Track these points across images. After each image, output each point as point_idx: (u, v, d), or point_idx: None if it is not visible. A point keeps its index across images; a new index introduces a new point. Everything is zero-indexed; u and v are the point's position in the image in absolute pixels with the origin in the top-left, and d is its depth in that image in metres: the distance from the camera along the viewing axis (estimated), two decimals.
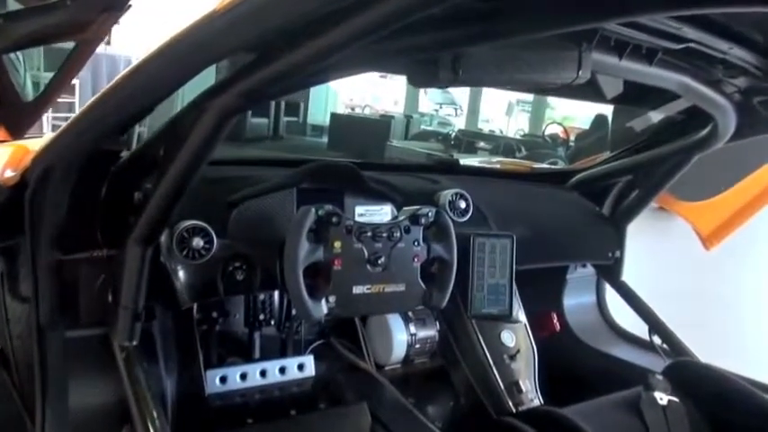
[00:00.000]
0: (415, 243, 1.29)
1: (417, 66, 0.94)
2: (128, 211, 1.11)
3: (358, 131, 9.02)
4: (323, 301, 1.21)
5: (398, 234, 1.28)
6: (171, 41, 0.78)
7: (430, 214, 1.30)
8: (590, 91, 1.16)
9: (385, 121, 9.86)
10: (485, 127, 12.59)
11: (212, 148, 0.90)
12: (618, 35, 0.98)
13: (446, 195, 1.57)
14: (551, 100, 13.37)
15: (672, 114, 1.59)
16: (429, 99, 16.15)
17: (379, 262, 1.25)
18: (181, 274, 1.22)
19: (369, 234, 1.25)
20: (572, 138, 7.94)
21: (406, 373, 1.57)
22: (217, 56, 0.77)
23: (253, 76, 0.80)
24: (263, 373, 1.40)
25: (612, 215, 1.88)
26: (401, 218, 1.31)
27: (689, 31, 0.94)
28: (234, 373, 1.37)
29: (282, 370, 1.42)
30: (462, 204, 1.58)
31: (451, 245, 1.32)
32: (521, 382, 1.47)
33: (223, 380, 1.35)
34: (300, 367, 1.45)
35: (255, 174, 1.42)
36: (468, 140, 8.26)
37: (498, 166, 2.52)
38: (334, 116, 10.74)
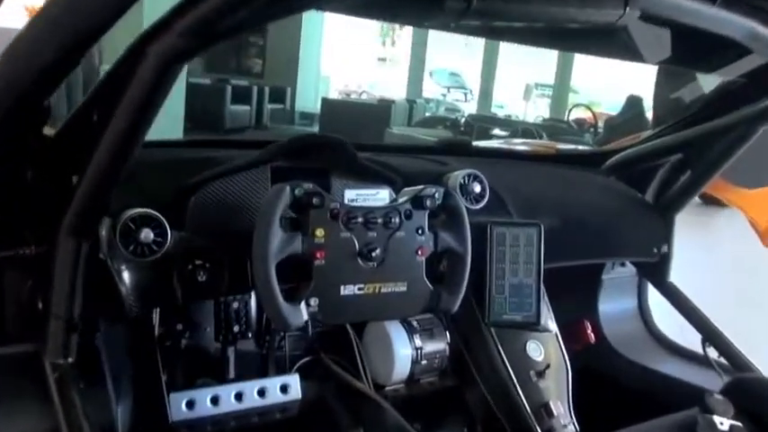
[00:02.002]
0: (419, 231, 1.25)
1: None
2: (62, 199, 1.05)
3: (353, 118, 9.06)
4: (302, 304, 1.16)
5: (397, 220, 1.23)
6: None
7: (437, 195, 1.25)
8: (633, 47, 1.08)
9: (384, 107, 9.93)
10: (499, 113, 12.62)
11: (155, 107, 0.85)
12: None
13: (457, 177, 1.52)
14: (575, 83, 13.41)
15: (731, 79, 1.54)
16: (435, 82, 16.23)
17: (374, 255, 1.20)
18: (126, 275, 1.16)
19: (360, 220, 1.20)
20: (600, 124, 7.97)
21: (410, 394, 1.53)
22: None
23: (197, 9, 0.75)
24: (238, 397, 1.36)
25: (657, 203, 1.85)
26: (401, 200, 1.26)
27: None
28: (203, 397, 1.33)
29: (262, 392, 1.39)
30: (477, 188, 1.53)
31: (464, 234, 1.28)
32: (551, 404, 1.41)
33: (190, 405, 1.32)
34: (284, 389, 1.41)
35: (219, 155, 1.38)
36: (481, 126, 8.24)
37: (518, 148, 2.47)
38: (325, 101, 10.80)
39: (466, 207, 1.34)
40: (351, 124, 8.45)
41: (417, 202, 1.24)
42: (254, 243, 1.12)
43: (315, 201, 1.15)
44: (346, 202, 1.37)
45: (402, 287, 1.24)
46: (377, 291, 1.22)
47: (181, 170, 1.30)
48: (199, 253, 1.22)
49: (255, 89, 10.16)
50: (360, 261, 1.20)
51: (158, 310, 1.35)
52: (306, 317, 1.15)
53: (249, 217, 1.27)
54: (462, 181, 1.52)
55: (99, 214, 1.03)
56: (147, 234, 1.15)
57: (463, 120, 9.04)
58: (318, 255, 1.16)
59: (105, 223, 1.13)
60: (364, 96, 15.15)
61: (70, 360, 1.04)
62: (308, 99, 11.82)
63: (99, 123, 0.91)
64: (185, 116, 7.14)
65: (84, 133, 0.98)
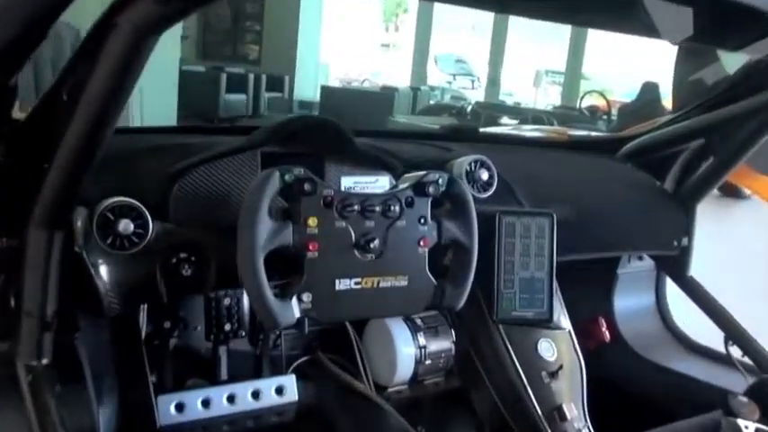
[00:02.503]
0: (421, 221, 1.22)
1: None
2: (33, 188, 1.03)
3: (354, 106, 9.07)
4: (293, 300, 1.13)
5: (397, 208, 1.20)
6: None
7: (440, 181, 1.22)
8: (650, 23, 1.05)
9: (387, 94, 9.92)
10: (507, 101, 12.67)
11: (128, 84, 0.83)
12: None
13: (462, 163, 1.49)
14: (587, 69, 13.43)
15: (758, 58, 1.49)
16: (440, 69, 16.28)
17: (372, 246, 1.17)
18: (104, 269, 1.14)
19: (356, 208, 1.17)
20: (613, 112, 8.01)
21: (414, 396, 1.55)
22: None
23: None
24: (231, 399, 1.37)
25: (677, 192, 1.83)
26: (401, 186, 1.23)
27: None
28: (194, 400, 1.33)
29: (256, 394, 1.39)
30: (484, 175, 1.50)
31: (470, 224, 1.25)
32: (564, 407, 1.38)
33: (180, 408, 1.32)
34: (279, 391, 1.42)
35: (204, 141, 1.36)
36: (488, 114, 8.24)
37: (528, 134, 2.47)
38: (325, 89, 10.85)
39: (472, 196, 1.31)
40: (352, 113, 8.46)
41: (419, 188, 1.21)
42: (240, 233, 1.09)
43: (306, 187, 1.12)
44: (342, 189, 1.35)
45: (402, 281, 1.21)
46: (375, 285, 1.19)
47: (163, 157, 1.27)
48: (183, 245, 1.20)
49: (252, 77, 10.13)
50: (356, 253, 1.17)
51: (145, 307, 1.35)
52: (298, 314, 1.12)
53: (237, 206, 1.23)
54: (468, 167, 1.49)
55: (71, 203, 1.01)
56: (126, 225, 1.13)
57: (470, 107, 9.02)
58: (311, 246, 1.13)
59: (81, 214, 1.11)
60: (366, 84, 15.20)
61: (45, 361, 1.02)
62: (306, 87, 11.82)
63: (69, 104, 0.89)
64: (178, 106, 7.15)
65: (55, 116, 0.96)
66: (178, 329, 1.39)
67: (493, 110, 8.78)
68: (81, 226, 1.10)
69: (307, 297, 1.13)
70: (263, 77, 10.48)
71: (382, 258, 1.19)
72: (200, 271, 1.21)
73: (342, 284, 1.16)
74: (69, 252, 1.07)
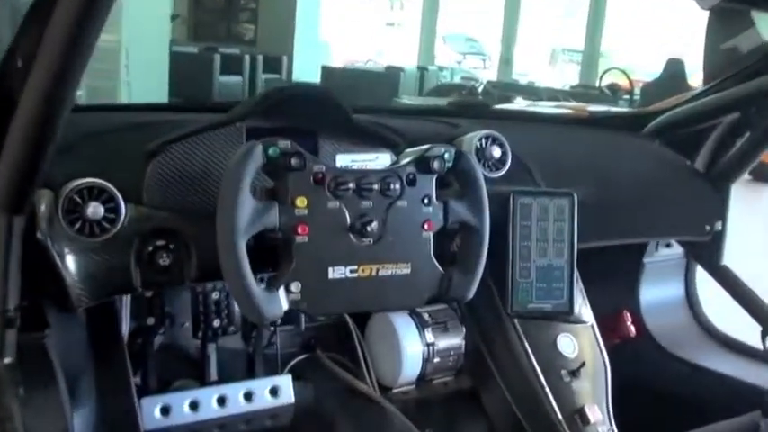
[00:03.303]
0: (425, 201, 1.19)
1: None
2: None
3: (357, 87, 9.07)
4: (281, 291, 1.10)
5: (398, 186, 1.17)
6: None
7: (447, 156, 1.19)
8: None
9: (392, 74, 9.96)
10: (521, 81, 12.70)
11: (86, 44, 0.80)
12: None
13: (472, 139, 1.47)
14: (606, 48, 13.45)
15: None
16: (450, 49, 16.35)
17: (369, 230, 1.14)
18: (71, 258, 1.12)
19: (351, 186, 1.14)
20: (636, 91, 8.07)
21: (421, 397, 1.55)
22: None
23: None
24: (221, 401, 1.36)
25: (709, 171, 1.80)
26: (403, 162, 1.20)
27: None
28: (181, 402, 1.33)
29: (249, 396, 1.38)
30: (496, 152, 1.47)
31: (481, 204, 1.22)
32: (587, 409, 1.37)
33: (165, 411, 1.32)
34: (274, 392, 1.40)
35: (182, 118, 1.36)
36: (501, 95, 8.26)
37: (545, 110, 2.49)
38: (326, 70, 10.89)
39: (484, 175, 1.29)
40: (354, 94, 8.46)
41: (422, 164, 1.18)
42: (219, 215, 1.06)
43: (294, 162, 1.09)
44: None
45: (405, 269, 1.18)
46: (373, 274, 1.16)
47: (137, 135, 1.26)
48: (159, 231, 1.18)
49: (248, 58, 10.14)
50: (352, 237, 1.14)
51: (127, 301, 1.34)
52: (286, 306, 1.10)
53: (219, 188, 1.23)
54: (479, 144, 1.46)
55: (32, 184, 0.98)
56: (95, 209, 1.11)
57: (481, 87, 9.06)
58: (300, 229, 1.10)
59: (45, 197, 1.09)
60: (371, 65, 15.27)
61: (7, 360, 1.01)
62: (306, 68, 11.86)
63: (24, 72, 0.87)
64: (169, 90, 7.18)
65: (10, 85, 0.94)
66: (164, 326, 1.39)
67: (506, 89, 8.79)
68: (45, 210, 1.09)
69: (296, 287, 1.10)
70: (260, 58, 10.51)
71: (381, 243, 1.16)
72: (179, 260, 1.19)
73: (335, 273, 1.14)
74: (32, 239, 1.05)
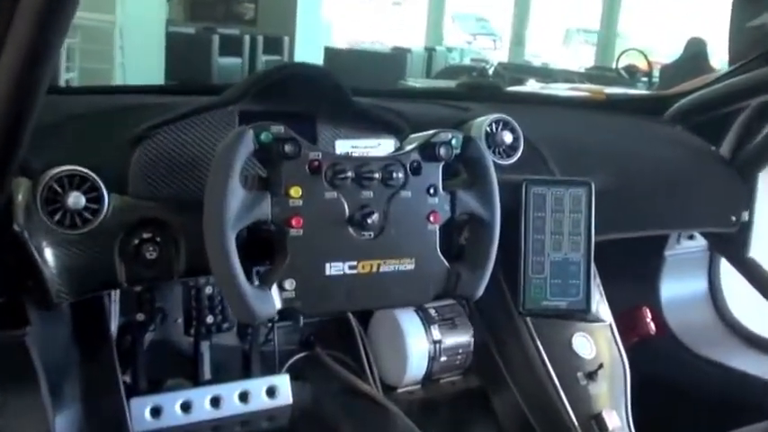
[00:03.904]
0: (431, 191, 1.16)
1: None
2: None
3: (362, 69, 9.12)
4: (274, 288, 1.08)
5: (401, 175, 1.14)
6: None
7: (454, 142, 1.17)
8: None
9: (398, 55, 10.00)
10: (534, 63, 12.76)
11: (65, 13, 0.78)
12: None
13: (482, 124, 1.45)
14: (623, 29, 13.48)
15: None
16: (459, 29, 16.39)
17: (370, 222, 1.11)
18: (50, 252, 1.11)
19: (350, 175, 1.11)
20: (654, 73, 8.07)
21: (427, 397, 1.54)
22: None
23: None
24: (215, 402, 1.36)
25: (735, 158, 1.79)
26: (407, 148, 1.18)
27: None
28: (172, 403, 1.33)
29: (244, 396, 1.38)
30: (508, 137, 1.46)
31: (491, 195, 1.20)
32: (604, 415, 1.36)
33: (156, 413, 1.32)
34: (271, 392, 1.41)
35: (170, 101, 1.35)
36: (513, 77, 8.27)
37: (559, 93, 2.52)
38: (329, 51, 10.98)
39: (494, 162, 1.27)
40: (359, 76, 8.49)
41: (428, 151, 1.15)
42: (206, 206, 1.04)
43: (287, 149, 1.06)
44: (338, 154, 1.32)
45: (408, 265, 1.16)
46: (374, 270, 1.14)
47: (122, 119, 1.24)
48: (146, 223, 1.17)
49: (247, 39, 10.20)
50: (351, 230, 1.12)
51: (117, 296, 1.33)
52: (279, 305, 1.08)
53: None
54: (489, 129, 1.44)
55: (7, 172, 0.98)
56: (77, 199, 1.09)
57: (492, 69, 9.09)
58: (294, 221, 1.08)
59: (22, 186, 1.08)
60: (377, 46, 15.36)
61: None
62: (308, 49, 11.92)
63: None
64: (166, 72, 7.19)
65: None
66: (154, 322, 1.38)
67: (518, 71, 8.78)
68: (22, 200, 1.08)
69: (289, 284, 1.08)
70: (260, 39, 10.56)
71: (383, 237, 1.14)
72: (167, 254, 1.18)
73: (333, 269, 1.11)
74: (8, 231, 1.05)
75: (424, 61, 10.51)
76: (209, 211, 1.04)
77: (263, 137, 1.05)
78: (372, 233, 1.13)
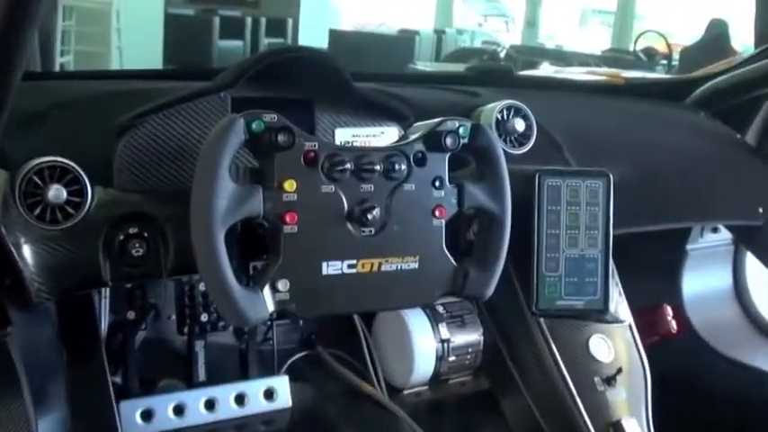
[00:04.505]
0: (436, 183, 1.14)
1: None
2: None
3: (368, 53, 9.11)
4: (266, 289, 1.05)
5: (404, 167, 1.12)
6: None
7: (462, 130, 1.14)
8: None
9: (406, 38, 10.01)
10: (548, 45, 12.78)
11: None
12: None
13: (492, 111, 1.44)
14: (641, 10, 13.49)
15: None
16: (470, 9, 16.42)
17: (370, 217, 1.09)
18: (28, 248, 1.10)
19: (349, 167, 1.09)
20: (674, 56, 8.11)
21: (435, 399, 1.54)
22: None
23: None
24: (210, 405, 1.36)
25: (763, 146, 1.78)
26: (411, 138, 1.16)
27: None
28: (165, 405, 1.33)
29: (241, 399, 1.38)
30: (520, 125, 1.44)
31: (501, 187, 1.18)
32: (623, 423, 1.35)
33: (147, 416, 1.32)
34: (269, 394, 1.40)
35: (158, 87, 1.34)
36: (526, 60, 8.25)
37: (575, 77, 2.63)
38: (333, 34, 10.99)
39: (505, 151, 1.25)
40: (365, 60, 8.54)
41: (433, 140, 1.13)
42: (193, 200, 1.02)
43: (281, 139, 1.04)
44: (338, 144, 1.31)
45: (412, 263, 1.14)
46: (375, 269, 1.12)
47: (107, 106, 1.23)
48: (132, 217, 1.16)
49: (249, 21, 10.26)
50: (349, 226, 1.10)
51: (106, 292, 1.33)
52: (272, 307, 1.06)
53: None
54: (500, 116, 1.43)
55: None
56: (58, 192, 1.08)
57: (504, 52, 9.10)
58: (288, 217, 1.05)
59: (0, 178, 1.07)
60: (384, 29, 15.45)
61: None
62: (312, 31, 11.97)
63: None
64: (164, 56, 7.20)
65: None
66: (146, 321, 1.38)
67: (531, 54, 8.74)
68: None
69: (283, 285, 1.06)
70: (263, 21, 10.62)
71: (384, 233, 1.12)
72: (154, 250, 1.16)
73: (330, 268, 1.09)
74: None
75: (432, 44, 10.52)
76: (196, 206, 1.02)
77: (254, 126, 1.03)
78: (373, 229, 1.11)
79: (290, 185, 1.05)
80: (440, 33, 11.04)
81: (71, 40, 6.17)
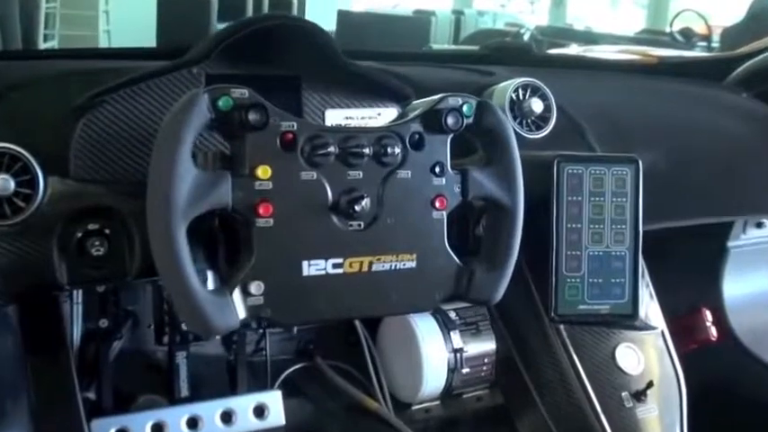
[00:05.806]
0: (436, 170, 1.11)
1: None
2: None
3: (380, 35, 9.15)
4: (236, 293, 1.02)
5: (399, 150, 1.08)
6: None
7: (466, 108, 1.11)
8: None
9: (421, 20, 10.02)
10: (576, 26, 12.91)
11: None
12: None
13: (506, 90, 1.42)
14: None
15: None
16: None
17: (359, 209, 1.05)
18: None
19: (333, 150, 1.06)
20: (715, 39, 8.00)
21: (447, 416, 1.53)
22: None
23: None
24: (192, 424, 1.32)
25: None
26: (409, 116, 1.12)
27: None
28: (142, 424, 1.29)
29: (228, 417, 1.34)
30: (537, 106, 1.42)
31: (513, 173, 1.15)
32: None
33: None
34: (260, 411, 1.37)
35: (124, 66, 1.32)
36: (552, 42, 8.28)
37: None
38: (342, 15, 10.95)
39: (520, 135, 1.26)
40: (376, 43, 8.55)
41: (432, 120, 1.09)
42: (150, 189, 0.98)
43: (252, 117, 0.99)
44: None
45: (409, 262, 1.11)
46: (365, 269, 1.08)
47: (63, 86, 1.22)
48: (91, 211, 1.13)
49: (251, 0, 10.33)
50: (335, 219, 1.06)
51: (79, 297, 1.33)
52: (243, 314, 1.02)
53: None
54: (514, 95, 1.41)
55: None
56: (5, 183, 1.05)
57: (528, 35, 9.14)
58: (262, 209, 1.01)
59: None
60: (397, 10, 15.66)
61: None
62: (320, 12, 12.06)
63: None
64: (158, 39, 7.26)
65: None
66: (122, 329, 1.36)
67: (557, 36, 8.75)
68: None
69: (256, 288, 1.02)
70: (266, 1, 10.69)
71: (375, 227, 1.08)
72: (118, 249, 1.14)
73: (312, 268, 1.05)
74: None
75: (450, 26, 10.61)
76: (153, 195, 0.98)
77: (221, 103, 0.98)
78: (362, 223, 1.08)
79: (263, 172, 1.02)
80: (458, 14, 11.13)
81: (56, 23, 6.24)
